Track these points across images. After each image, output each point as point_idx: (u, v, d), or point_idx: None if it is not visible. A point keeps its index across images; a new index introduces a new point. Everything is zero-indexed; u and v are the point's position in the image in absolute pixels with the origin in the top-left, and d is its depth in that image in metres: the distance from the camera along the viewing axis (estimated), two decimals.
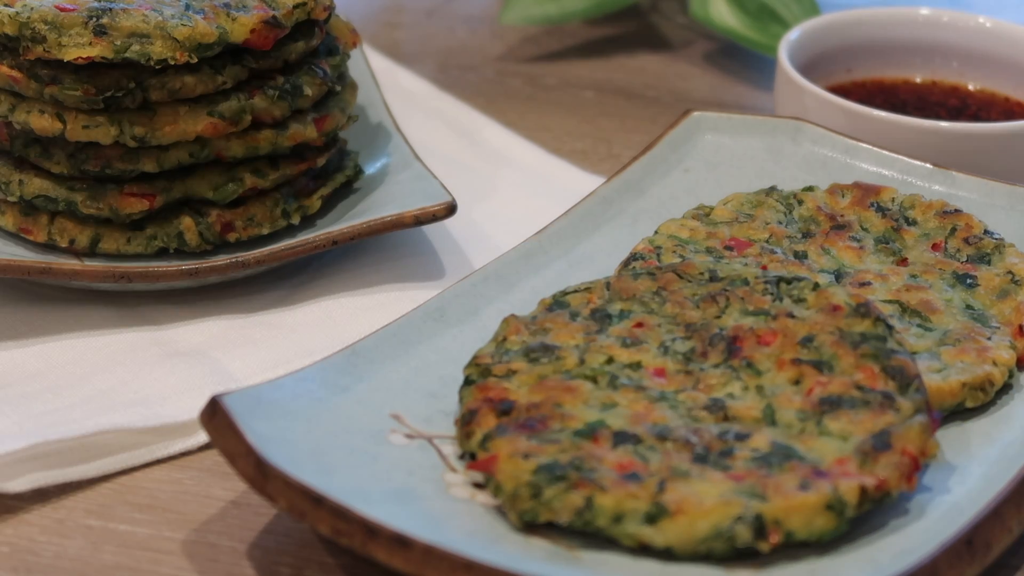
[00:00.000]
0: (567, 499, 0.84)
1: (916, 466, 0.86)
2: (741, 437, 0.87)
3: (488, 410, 0.89)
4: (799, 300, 0.95)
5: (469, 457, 0.89)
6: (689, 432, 0.87)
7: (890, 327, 0.92)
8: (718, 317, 0.95)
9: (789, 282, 0.96)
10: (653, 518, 0.83)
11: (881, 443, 0.86)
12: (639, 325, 0.95)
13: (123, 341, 1.04)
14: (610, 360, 0.93)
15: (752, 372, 0.91)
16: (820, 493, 0.83)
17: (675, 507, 0.83)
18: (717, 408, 0.89)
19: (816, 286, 0.95)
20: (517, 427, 0.88)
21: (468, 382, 0.92)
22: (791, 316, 0.94)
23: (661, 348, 0.93)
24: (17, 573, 0.88)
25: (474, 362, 0.93)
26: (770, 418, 0.89)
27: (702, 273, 0.97)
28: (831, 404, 0.88)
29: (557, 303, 0.97)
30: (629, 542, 0.83)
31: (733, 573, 0.83)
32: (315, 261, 1.12)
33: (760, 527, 0.83)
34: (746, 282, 0.96)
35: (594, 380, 0.91)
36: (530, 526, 0.85)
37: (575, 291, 0.98)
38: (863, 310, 0.93)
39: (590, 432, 0.88)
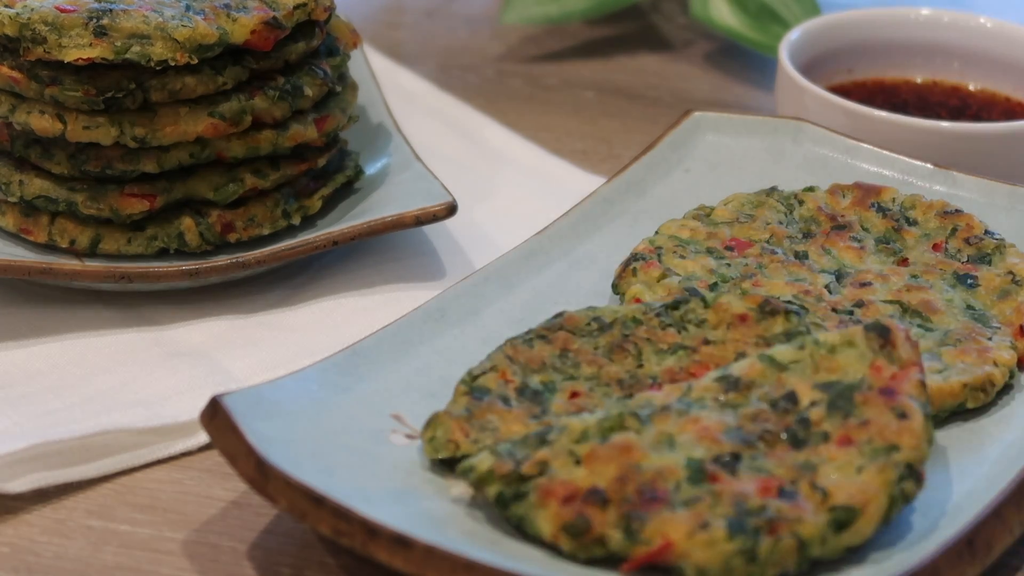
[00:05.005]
0: (782, 548, 0.81)
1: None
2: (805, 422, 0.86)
3: (591, 509, 0.83)
4: (700, 323, 0.94)
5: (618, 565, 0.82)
6: (760, 424, 0.86)
7: (800, 313, 0.92)
8: (640, 367, 0.92)
9: (676, 307, 0.94)
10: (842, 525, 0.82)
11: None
12: (574, 395, 0.91)
13: (124, 341, 1.04)
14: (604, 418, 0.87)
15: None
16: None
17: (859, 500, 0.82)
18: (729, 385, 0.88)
19: (704, 301, 0.94)
20: (653, 501, 0.82)
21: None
22: (708, 343, 0.92)
23: (610, 401, 0.90)
24: (18, 573, 0.88)
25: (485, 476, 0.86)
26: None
27: (588, 324, 0.94)
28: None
29: (475, 389, 0.90)
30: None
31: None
32: (316, 261, 1.12)
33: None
34: (637, 321, 0.94)
35: (624, 427, 0.86)
36: None
37: (482, 372, 0.92)
38: (768, 308, 0.93)
39: (700, 474, 0.83)
